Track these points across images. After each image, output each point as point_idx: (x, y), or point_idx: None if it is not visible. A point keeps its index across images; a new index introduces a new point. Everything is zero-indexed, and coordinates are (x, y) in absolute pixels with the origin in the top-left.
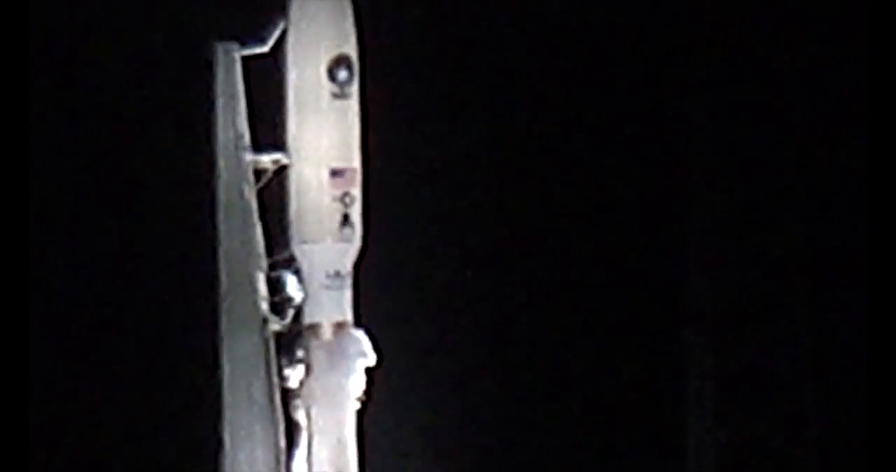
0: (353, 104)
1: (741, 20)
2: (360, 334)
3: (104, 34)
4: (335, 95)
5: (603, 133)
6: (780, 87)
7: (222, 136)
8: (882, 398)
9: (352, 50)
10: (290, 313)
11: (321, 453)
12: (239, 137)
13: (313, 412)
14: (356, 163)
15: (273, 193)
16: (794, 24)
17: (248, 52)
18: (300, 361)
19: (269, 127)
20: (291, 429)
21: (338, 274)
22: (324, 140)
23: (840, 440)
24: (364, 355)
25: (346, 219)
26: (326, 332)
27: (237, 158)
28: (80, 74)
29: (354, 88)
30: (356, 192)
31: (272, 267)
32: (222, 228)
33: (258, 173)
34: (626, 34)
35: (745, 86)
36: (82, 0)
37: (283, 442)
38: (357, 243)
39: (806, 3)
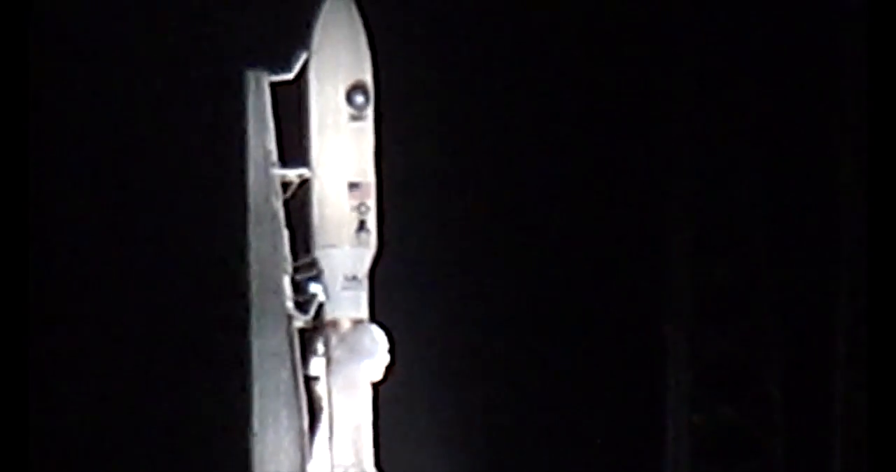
0: (369, 125)
1: (728, 20)
2: (375, 329)
3: (152, 65)
4: (353, 117)
5: (584, 131)
6: (766, 84)
7: (253, 152)
8: (837, 383)
9: (368, 77)
10: (313, 310)
11: (341, 435)
12: (268, 153)
13: (333, 398)
14: (371, 177)
15: (298, 203)
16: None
17: (275, 78)
18: (321, 353)
19: (294, 145)
20: (314, 414)
21: (354, 277)
22: (343, 157)
23: (804, 423)
24: (378, 347)
25: (362, 226)
26: (344, 327)
27: (266, 172)
28: (128, 99)
29: (370, 111)
30: (371, 202)
31: (297, 270)
32: (253, 234)
33: (285, 186)
34: (617, 36)
35: (730, 82)
36: (123, 32)
37: (306, 426)
38: (372, 248)
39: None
